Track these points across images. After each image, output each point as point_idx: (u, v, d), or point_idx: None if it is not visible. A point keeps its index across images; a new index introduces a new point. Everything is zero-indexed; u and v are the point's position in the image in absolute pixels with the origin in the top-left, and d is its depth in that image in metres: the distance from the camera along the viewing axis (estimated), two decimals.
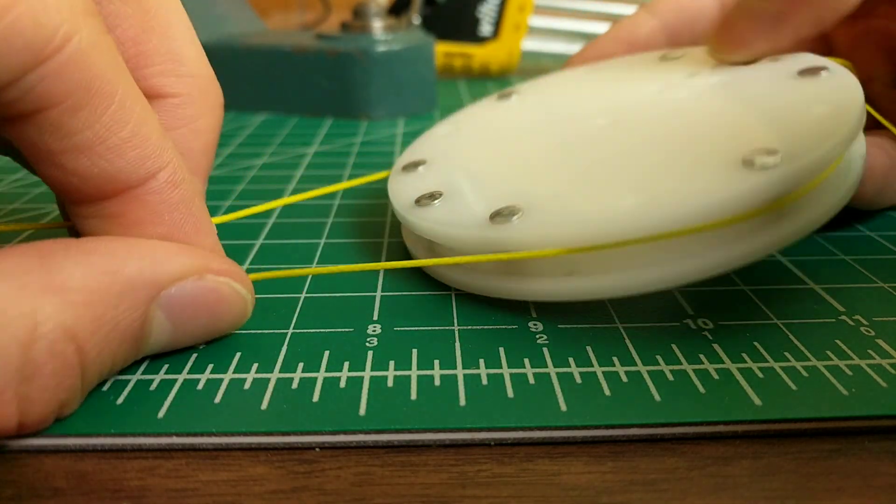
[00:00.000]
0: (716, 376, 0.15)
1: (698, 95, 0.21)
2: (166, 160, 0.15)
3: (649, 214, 0.16)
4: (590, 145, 0.20)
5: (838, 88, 0.19)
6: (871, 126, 0.25)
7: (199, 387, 0.15)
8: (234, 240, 0.23)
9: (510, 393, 0.15)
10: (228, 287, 0.16)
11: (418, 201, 0.20)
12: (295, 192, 0.28)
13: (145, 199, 0.15)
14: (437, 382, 0.15)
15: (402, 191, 0.21)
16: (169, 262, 0.15)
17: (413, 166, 0.22)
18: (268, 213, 0.25)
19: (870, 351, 0.16)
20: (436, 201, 0.19)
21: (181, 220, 0.16)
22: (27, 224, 0.24)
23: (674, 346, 0.16)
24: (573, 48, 0.52)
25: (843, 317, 0.18)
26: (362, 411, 0.14)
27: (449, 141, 0.24)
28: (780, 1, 0.21)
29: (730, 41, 0.22)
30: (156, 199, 0.15)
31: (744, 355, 0.16)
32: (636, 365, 0.16)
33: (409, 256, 0.21)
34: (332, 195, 0.27)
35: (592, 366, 0.16)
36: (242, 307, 0.16)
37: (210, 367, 0.16)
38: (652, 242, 0.16)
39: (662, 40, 0.27)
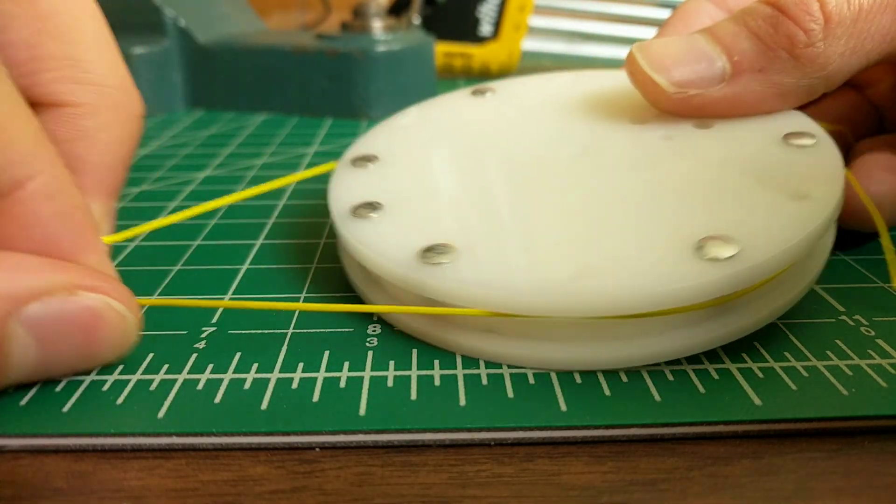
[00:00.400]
0: (716, 376, 0.15)
1: (670, 139, 0.20)
2: (38, 169, 0.14)
3: (582, 295, 0.15)
4: (549, 178, 0.19)
5: (819, 173, 0.17)
6: (873, 132, 0.25)
7: (199, 387, 0.15)
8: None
9: (510, 393, 0.15)
10: (105, 305, 0.15)
11: (356, 210, 0.18)
12: (295, 192, 0.28)
13: (13, 210, 0.14)
14: (437, 382, 0.15)
15: (343, 192, 0.19)
16: (31, 276, 0.14)
17: (363, 161, 0.21)
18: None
19: (870, 351, 0.16)
20: (373, 214, 0.18)
21: (56, 235, 0.14)
22: None
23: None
24: (573, 48, 0.52)
25: (843, 317, 0.18)
26: (362, 411, 0.14)
27: (408, 136, 0.22)
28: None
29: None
30: (25, 211, 0.14)
31: (744, 355, 0.16)
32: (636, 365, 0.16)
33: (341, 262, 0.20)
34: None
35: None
36: (122, 329, 0.15)
37: (210, 367, 0.16)
38: (581, 322, 0.15)
39: None
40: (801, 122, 0.20)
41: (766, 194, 0.17)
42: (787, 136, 0.19)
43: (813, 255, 0.18)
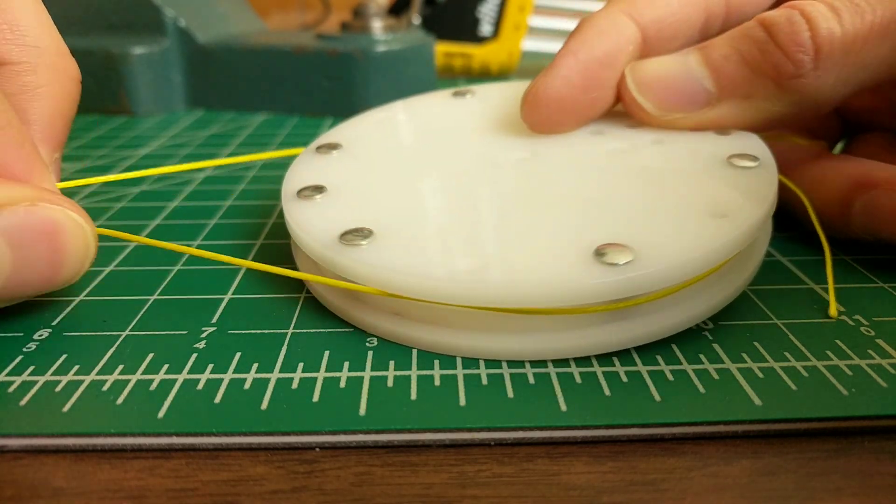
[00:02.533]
0: (716, 376, 0.15)
1: (622, 152, 0.20)
2: None
3: (480, 286, 0.15)
4: (486, 179, 0.20)
5: (748, 195, 0.18)
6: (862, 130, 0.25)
7: (199, 387, 0.15)
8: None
9: (510, 393, 0.15)
10: (64, 215, 0.16)
11: (301, 192, 0.19)
12: None
13: None
14: (437, 382, 0.15)
15: (297, 175, 0.21)
16: None
17: (328, 148, 0.22)
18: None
19: (870, 351, 0.16)
20: (317, 196, 0.19)
21: (10, 161, 0.16)
22: None
23: (674, 346, 0.16)
24: None
25: (843, 317, 0.18)
26: (362, 411, 0.14)
27: (378, 129, 0.23)
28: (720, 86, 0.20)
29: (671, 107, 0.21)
30: None
31: (744, 355, 0.16)
32: (636, 365, 0.16)
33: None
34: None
35: (592, 366, 0.16)
36: (83, 238, 0.16)
37: (210, 367, 0.16)
38: (477, 311, 0.16)
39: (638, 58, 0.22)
40: (751, 143, 0.20)
41: (686, 210, 0.17)
42: (732, 156, 0.19)
43: (734, 269, 0.18)
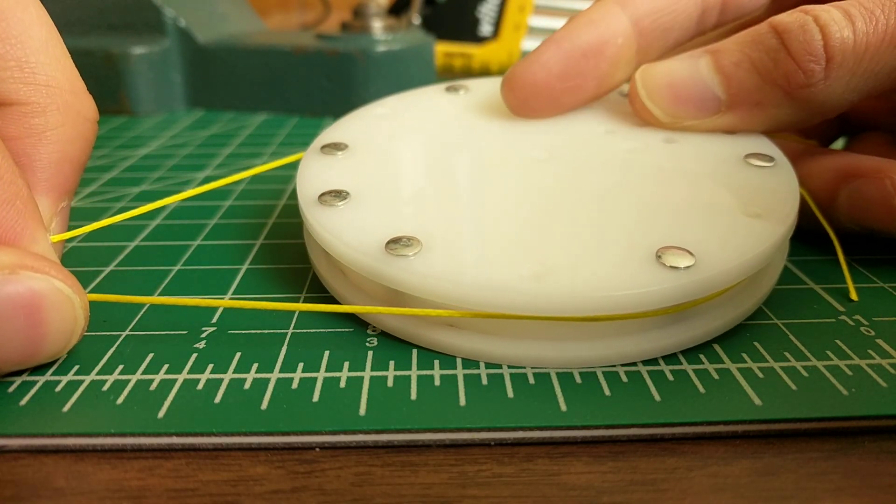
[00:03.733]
0: (716, 376, 0.15)
1: (637, 151, 0.20)
2: None
3: (544, 295, 0.15)
4: (514, 180, 0.19)
5: (776, 194, 0.18)
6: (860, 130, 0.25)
7: (199, 387, 0.15)
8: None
9: (510, 393, 0.15)
10: (48, 284, 0.14)
11: (322, 197, 0.18)
12: (294, 194, 0.28)
13: None
14: (437, 382, 0.15)
15: (312, 178, 0.19)
16: None
17: (333, 148, 0.21)
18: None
19: (870, 351, 0.16)
20: (340, 202, 0.18)
21: None
22: None
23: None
24: None
25: (843, 317, 0.18)
26: (362, 411, 0.14)
27: (380, 126, 0.22)
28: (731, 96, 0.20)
29: (683, 113, 0.21)
30: None
31: (744, 355, 0.16)
32: (636, 365, 0.16)
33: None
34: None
35: (592, 366, 0.16)
36: (69, 312, 0.15)
37: (210, 367, 0.16)
38: (539, 322, 0.15)
39: (633, 51, 0.22)
40: (761, 143, 0.20)
41: (723, 210, 0.17)
42: (748, 156, 0.20)
43: (764, 271, 0.18)
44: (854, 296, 0.18)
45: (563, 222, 0.17)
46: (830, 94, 0.19)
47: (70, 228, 0.19)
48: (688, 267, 0.15)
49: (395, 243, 0.16)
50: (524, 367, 0.16)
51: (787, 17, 0.19)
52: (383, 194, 0.19)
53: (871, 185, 0.19)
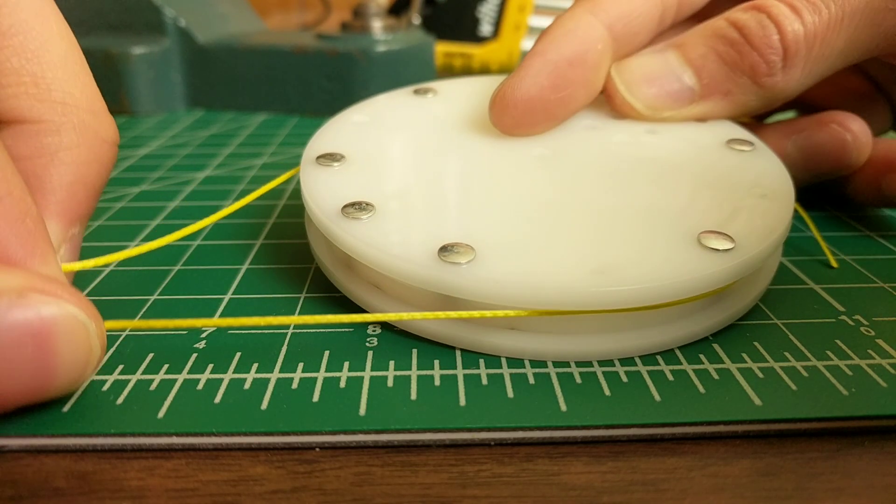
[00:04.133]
0: (716, 376, 0.15)
1: (627, 144, 0.21)
2: None
3: (607, 288, 0.15)
4: (534, 179, 0.19)
5: (770, 174, 0.19)
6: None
7: (199, 387, 0.15)
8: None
9: (510, 393, 0.15)
10: (61, 310, 0.13)
11: (345, 210, 0.18)
12: (293, 194, 0.28)
13: None
14: (437, 382, 0.15)
15: (323, 190, 0.19)
16: None
17: (329, 159, 0.20)
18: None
19: (870, 351, 0.16)
20: (365, 216, 0.17)
21: (5, 239, 0.13)
22: None
23: (673, 347, 0.16)
24: None
25: (843, 317, 0.18)
26: (362, 411, 0.14)
27: (366, 134, 0.22)
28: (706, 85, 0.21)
29: (660, 105, 0.22)
30: None
31: (744, 355, 0.16)
32: (636, 365, 0.16)
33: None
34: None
35: (592, 366, 0.16)
36: (84, 339, 0.13)
37: (210, 367, 0.16)
38: (600, 316, 0.16)
39: (610, 56, 0.22)
40: (735, 129, 0.22)
41: (734, 194, 0.18)
42: (730, 142, 0.21)
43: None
44: (834, 263, 0.20)
45: (603, 216, 0.18)
46: (789, 81, 0.21)
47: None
48: (728, 249, 0.16)
49: (445, 251, 0.16)
50: (524, 367, 0.16)
51: (743, 15, 0.21)
52: (409, 203, 0.18)
53: (820, 131, 0.23)
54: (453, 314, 0.16)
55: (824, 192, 0.25)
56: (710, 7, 0.24)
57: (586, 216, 0.18)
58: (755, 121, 0.26)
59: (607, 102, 0.22)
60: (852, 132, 0.22)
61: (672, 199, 0.18)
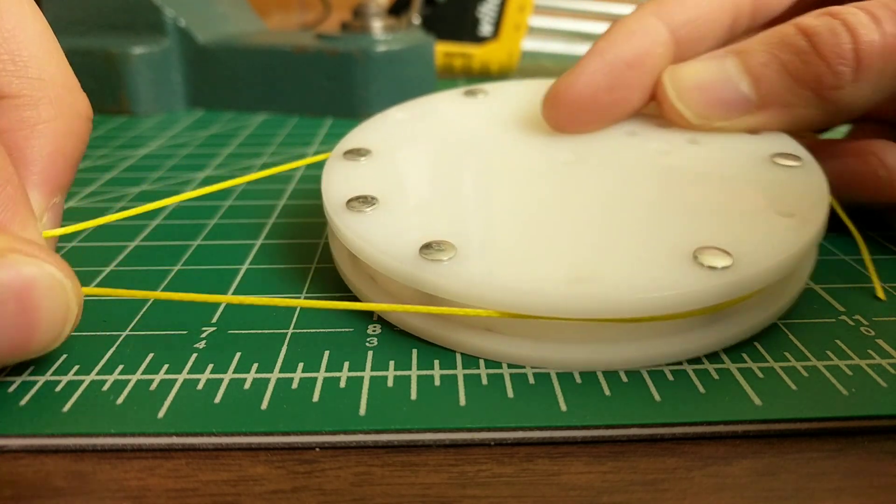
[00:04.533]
0: (716, 376, 0.15)
1: (664, 153, 0.20)
2: None
3: (585, 297, 0.15)
4: (544, 183, 0.19)
5: (807, 193, 0.18)
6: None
7: (199, 387, 0.15)
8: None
9: (510, 393, 0.15)
10: (40, 269, 0.14)
11: (350, 203, 0.18)
12: (294, 193, 0.28)
13: None
14: (437, 382, 0.15)
15: (337, 183, 0.19)
16: None
17: (356, 154, 0.21)
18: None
19: (870, 351, 0.16)
20: (368, 209, 0.18)
21: None
22: None
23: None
24: (573, 48, 0.52)
25: (843, 317, 0.18)
26: (362, 411, 0.14)
27: (402, 131, 0.22)
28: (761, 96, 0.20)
29: (713, 115, 0.21)
30: None
31: (744, 355, 0.16)
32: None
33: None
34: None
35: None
36: (62, 297, 0.14)
37: (210, 367, 0.16)
38: (580, 323, 0.15)
39: (670, 61, 0.21)
40: (786, 142, 0.20)
41: (757, 210, 0.17)
42: (775, 155, 0.20)
43: (796, 271, 0.18)
44: (881, 294, 0.18)
45: (598, 224, 0.17)
46: (858, 96, 0.19)
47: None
48: (725, 267, 0.15)
49: (428, 248, 0.16)
50: (524, 368, 0.16)
51: (814, 20, 0.19)
52: (412, 199, 0.19)
53: (856, 161, 0.21)
54: (433, 309, 0.16)
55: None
56: (789, 13, 0.22)
57: (581, 224, 0.17)
58: (814, 134, 0.25)
59: (657, 108, 0.22)
60: (887, 167, 0.20)
61: (681, 212, 0.17)
